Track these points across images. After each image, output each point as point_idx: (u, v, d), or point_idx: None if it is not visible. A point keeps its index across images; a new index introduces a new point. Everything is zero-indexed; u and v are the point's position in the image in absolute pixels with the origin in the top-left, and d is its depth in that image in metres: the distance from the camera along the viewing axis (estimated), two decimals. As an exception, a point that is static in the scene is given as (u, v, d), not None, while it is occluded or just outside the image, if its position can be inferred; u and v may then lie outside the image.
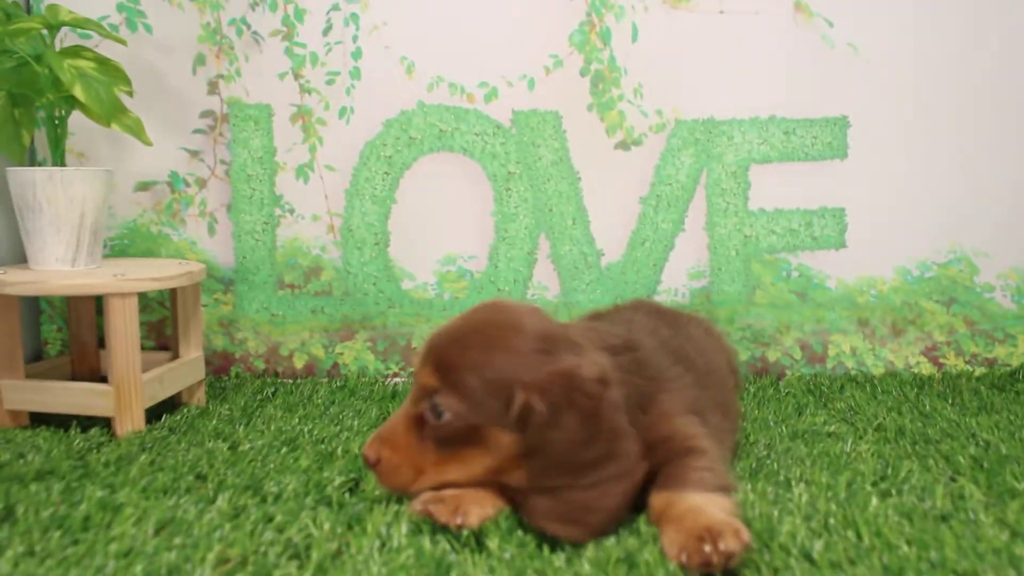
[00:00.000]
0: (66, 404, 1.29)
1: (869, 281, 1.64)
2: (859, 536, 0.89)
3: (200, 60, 1.57)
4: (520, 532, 0.89)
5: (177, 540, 0.86)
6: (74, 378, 1.50)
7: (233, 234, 1.60)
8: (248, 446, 1.20)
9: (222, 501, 0.97)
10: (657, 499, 0.89)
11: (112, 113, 1.34)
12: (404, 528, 0.89)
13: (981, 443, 1.22)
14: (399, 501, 0.96)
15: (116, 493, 0.99)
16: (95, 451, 1.18)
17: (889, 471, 1.10)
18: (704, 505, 0.85)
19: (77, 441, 1.22)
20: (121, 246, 1.59)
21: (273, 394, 1.51)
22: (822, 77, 1.60)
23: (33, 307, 1.58)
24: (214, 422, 1.33)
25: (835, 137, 1.62)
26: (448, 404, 0.89)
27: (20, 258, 1.46)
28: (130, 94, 1.42)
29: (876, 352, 1.65)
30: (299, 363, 1.63)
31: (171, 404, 1.43)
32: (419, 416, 0.92)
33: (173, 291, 1.45)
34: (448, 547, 0.85)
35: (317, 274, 1.62)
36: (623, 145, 1.61)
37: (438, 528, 0.89)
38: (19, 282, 1.25)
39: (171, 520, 0.92)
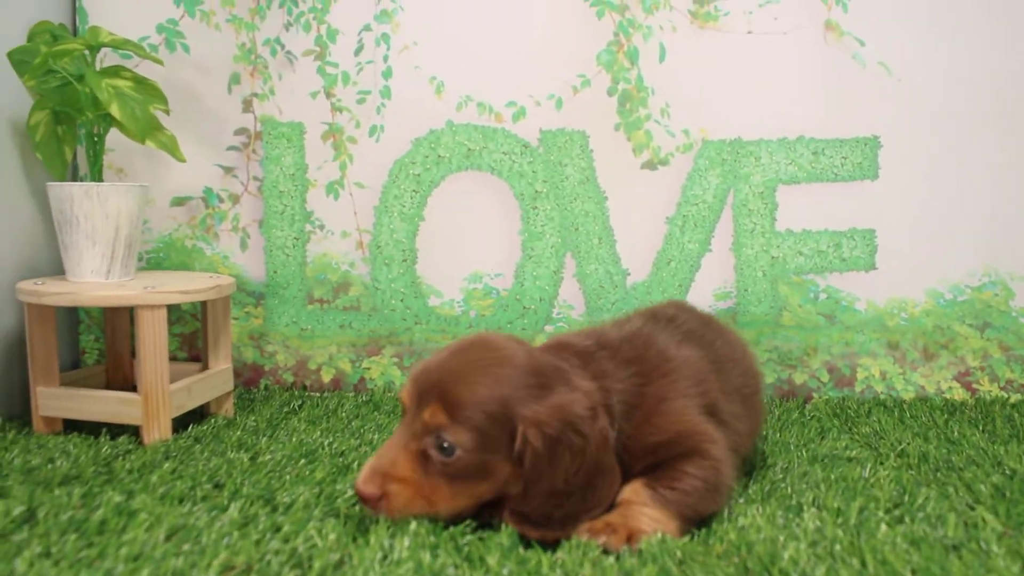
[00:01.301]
0: (97, 412, 1.33)
1: (900, 304, 1.61)
2: (863, 564, 0.87)
3: (235, 79, 1.61)
4: (520, 550, 0.90)
5: (186, 546, 0.89)
6: (108, 387, 1.55)
7: (264, 249, 1.64)
8: (268, 457, 1.23)
9: (234, 510, 0.99)
10: (629, 488, 0.96)
11: (146, 130, 1.39)
12: (407, 541, 0.90)
13: (1007, 471, 1.19)
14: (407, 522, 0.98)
15: (133, 499, 1.01)
16: (121, 458, 1.22)
17: (906, 498, 1.08)
18: (642, 515, 0.93)
19: (105, 448, 1.26)
20: (157, 259, 1.64)
21: (300, 407, 1.54)
22: (853, 97, 1.59)
23: (72, 317, 1.64)
24: (238, 433, 1.36)
25: (866, 157, 1.60)
26: (460, 441, 0.91)
27: (60, 270, 1.51)
28: (166, 112, 1.47)
29: (907, 376, 1.62)
30: (327, 377, 1.65)
31: (200, 414, 1.47)
32: (421, 452, 0.92)
33: (203, 304, 1.49)
34: (448, 560, 0.86)
35: (346, 289, 1.65)
36: (650, 165, 1.61)
37: (440, 543, 0.90)
38: (54, 293, 1.30)
39: (182, 527, 0.94)
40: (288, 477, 1.13)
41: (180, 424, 1.38)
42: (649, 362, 1.04)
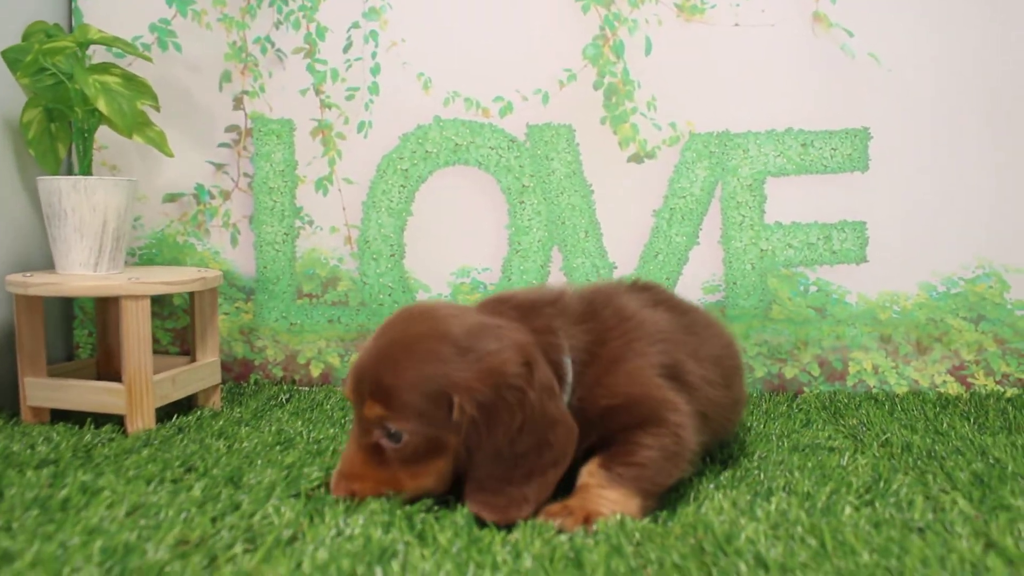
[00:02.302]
0: (82, 402, 1.35)
1: (892, 297, 1.59)
2: (822, 544, 0.86)
3: (226, 77, 1.64)
4: (475, 528, 0.90)
5: (143, 521, 0.90)
6: (99, 380, 1.56)
7: (255, 244, 1.66)
8: (245, 444, 1.24)
9: (197, 489, 1.00)
10: (586, 470, 0.95)
11: (133, 125, 1.41)
12: (361, 519, 0.90)
13: (991, 460, 1.17)
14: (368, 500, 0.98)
15: (100, 479, 1.03)
16: (102, 445, 1.23)
17: (881, 484, 1.06)
18: (601, 498, 0.92)
19: (88, 436, 1.28)
20: (149, 255, 1.66)
21: (287, 400, 1.55)
22: (842, 88, 1.58)
23: (67, 312, 1.67)
24: (221, 423, 1.37)
25: (856, 149, 1.58)
26: (402, 427, 0.91)
27: (52, 264, 1.54)
28: (156, 108, 1.49)
29: (899, 370, 1.59)
30: (315, 371, 1.66)
31: (187, 406, 1.48)
32: (374, 444, 0.93)
33: (192, 297, 1.50)
34: (399, 537, 0.86)
35: (334, 284, 1.66)
36: (636, 158, 1.61)
37: (394, 521, 0.90)
38: (40, 283, 1.32)
39: (143, 504, 0.95)
40: (260, 462, 1.14)
41: (167, 416, 1.40)
42: (605, 321, 1.01)
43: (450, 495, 0.96)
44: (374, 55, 1.63)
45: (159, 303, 1.66)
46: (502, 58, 1.61)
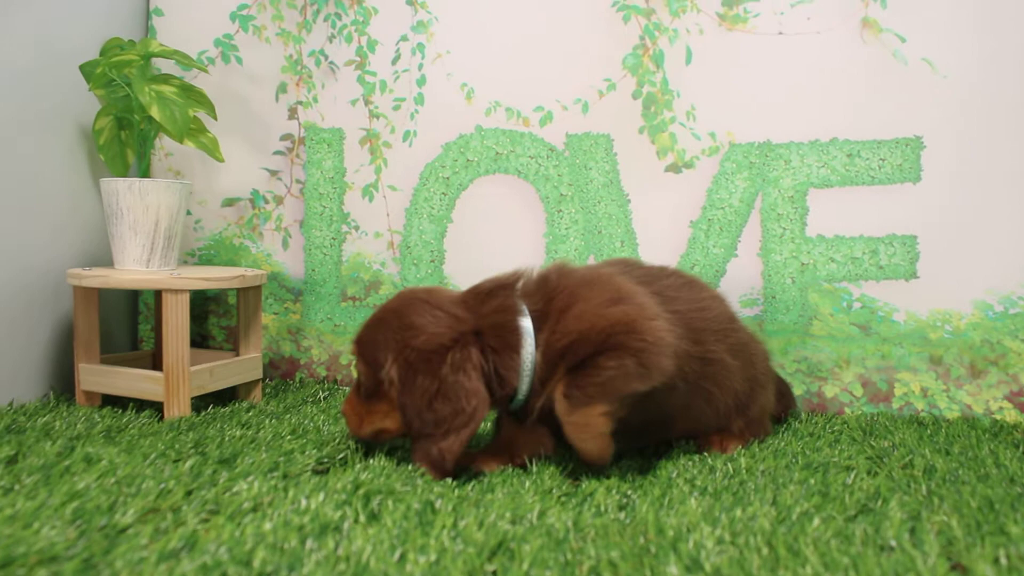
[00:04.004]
0: (127, 388, 1.45)
1: (944, 316, 1.50)
2: (775, 553, 0.83)
3: (282, 88, 1.73)
4: (430, 513, 0.91)
5: (125, 490, 0.96)
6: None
7: (304, 248, 1.73)
8: (260, 433, 1.29)
9: (187, 466, 1.05)
10: (555, 395, 1.09)
11: (184, 131, 1.51)
12: (321, 497, 0.93)
13: (1018, 488, 1.08)
14: (336, 480, 1.01)
15: (102, 452, 1.10)
16: (133, 427, 1.32)
17: (879, 503, 1.01)
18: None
19: (126, 419, 1.37)
20: (208, 256, 1.76)
21: (324, 398, 1.61)
22: (893, 96, 1.51)
23: (133, 307, 1.79)
24: (250, 415, 1.44)
25: (907, 159, 1.51)
26: (361, 370, 1.16)
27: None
28: (212, 116, 1.59)
29: (951, 394, 1.49)
30: (356, 372, 1.71)
31: (228, 399, 1.56)
32: (358, 383, 1.18)
33: (237, 295, 1.59)
34: (350, 514, 0.88)
35: (377, 288, 1.71)
36: (674, 168, 1.59)
37: (351, 500, 0.92)
38: (93, 276, 1.43)
39: (131, 476, 1.01)
40: (263, 447, 1.19)
41: (207, 406, 1.48)
42: (553, 285, 1.15)
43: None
44: (420, 67, 1.68)
45: (215, 302, 1.76)
46: (543, 68, 1.63)
